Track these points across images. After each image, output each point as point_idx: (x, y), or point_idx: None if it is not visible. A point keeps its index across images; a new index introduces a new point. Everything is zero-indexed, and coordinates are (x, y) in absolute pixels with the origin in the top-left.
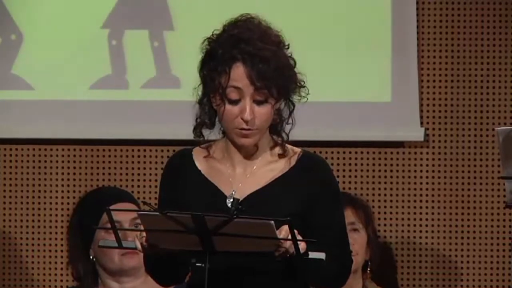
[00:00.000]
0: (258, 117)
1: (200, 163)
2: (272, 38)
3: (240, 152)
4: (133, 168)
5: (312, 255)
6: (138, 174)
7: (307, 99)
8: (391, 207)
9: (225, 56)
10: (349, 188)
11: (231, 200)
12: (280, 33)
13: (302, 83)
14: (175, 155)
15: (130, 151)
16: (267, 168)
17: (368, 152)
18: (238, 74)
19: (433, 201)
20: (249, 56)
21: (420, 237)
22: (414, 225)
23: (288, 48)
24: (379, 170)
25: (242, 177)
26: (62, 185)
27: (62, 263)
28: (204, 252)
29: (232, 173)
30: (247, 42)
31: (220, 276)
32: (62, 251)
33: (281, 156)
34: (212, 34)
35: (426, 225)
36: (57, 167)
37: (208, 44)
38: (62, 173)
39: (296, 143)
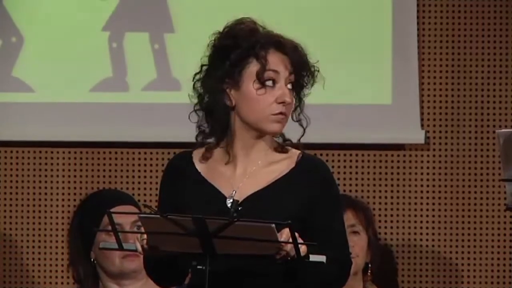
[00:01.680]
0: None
1: (200, 165)
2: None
3: (242, 152)
4: (133, 171)
5: (313, 258)
6: (139, 177)
7: (307, 95)
8: (391, 209)
9: (256, 45)
10: (350, 191)
11: (231, 201)
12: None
13: (317, 74)
14: (175, 157)
15: (130, 154)
16: (267, 170)
17: (368, 155)
18: (276, 57)
19: (433, 204)
20: (281, 44)
21: (421, 239)
22: (415, 228)
23: None
24: (380, 173)
25: (242, 178)
26: (63, 188)
27: (63, 265)
28: (204, 255)
29: (232, 174)
30: (269, 33)
31: (221, 278)
32: (63, 253)
33: (281, 157)
34: (217, 33)
35: (427, 227)
36: (57, 170)
37: (218, 41)
38: (63, 176)
39: (296, 145)
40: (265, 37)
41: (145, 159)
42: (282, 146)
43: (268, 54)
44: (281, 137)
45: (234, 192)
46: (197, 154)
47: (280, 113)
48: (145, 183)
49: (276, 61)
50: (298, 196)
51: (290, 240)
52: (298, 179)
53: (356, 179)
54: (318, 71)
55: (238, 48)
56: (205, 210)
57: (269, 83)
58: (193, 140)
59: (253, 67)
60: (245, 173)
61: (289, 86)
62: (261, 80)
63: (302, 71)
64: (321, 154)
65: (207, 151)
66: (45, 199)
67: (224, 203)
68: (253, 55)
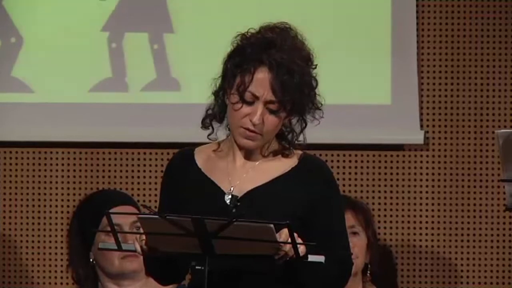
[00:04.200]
0: (266, 124)
1: (200, 162)
2: (303, 53)
3: (243, 150)
4: (133, 171)
5: (312, 258)
6: (138, 177)
7: (319, 122)
8: (391, 210)
9: (253, 57)
10: (349, 191)
11: (230, 197)
12: (313, 52)
13: (320, 105)
14: (176, 155)
15: (130, 154)
16: (267, 166)
17: (368, 155)
18: (261, 78)
19: (433, 204)
20: (276, 64)
21: (420, 240)
22: (414, 228)
23: (315, 68)
24: (379, 173)
25: (242, 174)
26: (62, 188)
27: (62, 266)
28: (203, 255)
29: (232, 170)
30: (278, 49)
31: (220, 278)
32: (62, 254)
33: (283, 157)
34: (247, 32)
35: (426, 228)
36: (57, 170)
37: (240, 41)
38: (62, 176)
39: (296, 146)
40: (267, 54)
41: (145, 159)
42: (284, 145)
43: (257, 71)
44: (284, 141)
45: (232, 188)
46: (199, 151)
47: (249, 129)
48: (144, 183)
49: (260, 82)
50: (298, 195)
51: (289, 240)
52: (299, 179)
53: (355, 179)
54: (319, 103)
55: (242, 55)
56: (204, 207)
57: (249, 98)
58: (192, 140)
59: (239, 79)
60: (244, 168)
61: (272, 107)
62: (239, 94)
63: (292, 98)
64: (320, 155)
65: (217, 145)
66: (45, 200)
67: (223, 199)
68: (246, 67)
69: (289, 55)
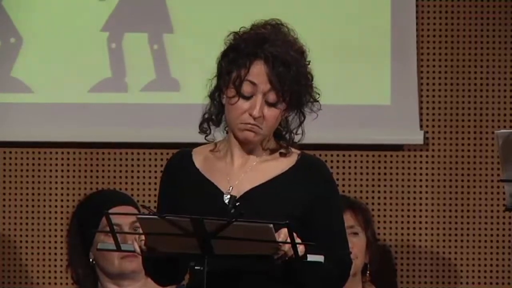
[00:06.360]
0: (265, 118)
1: (199, 162)
2: (296, 47)
3: (241, 149)
4: (132, 171)
5: (311, 257)
6: (138, 177)
7: (317, 115)
8: (390, 210)
9: (248, 52)
10: (349, 191)
11: (228, 197)
12: (305, 47)
13: (317, 97)
14: (175, 155)
15: (129, 154)
16: (265, 166)
17: (367, 155)
18: (258, 71)
19: (432, 204)
20: (272, 56)
21: (420, 240)
22: (414, 228)
23: (309, 64)
24: (379, 173)
25: (240, 174)
26: (62, 188)
27: (61, 266)
28: (202, 256)
29: (230, 170)
30: (272, 43)
31: (219, 279)
32: (61, 254)
33: (281, 156)
34: (239, 30)
35: (426, 228)
36: (56, 170)
37: (233, 39)
38: (62, 176)
39: (295, 146)
40: (261, 48)
41: (144, 159)
42: (282, 145)
43: (253, 65)
44: (282, 140)
45: (231, 188)
46: (197, 152)
47: (249, 123)
48: (143, 183)
49: (257, 74)
50: (297, 195)
51: (288, 240)
52: (297, 178)
53: (355, 179)
54: (317, 94)
55: (236, 51)
56: (203, 207)
57: (247, 93)
58: (192, 140)
59: (235, 74)
60: (243, 168)
61: (271, 99)
62: (236, 88)
63: (290, 88)
64: (320, 155)
65: (214, 146)
66: (44, 200)
67: (222, 199)
68: (241, 62)
69: (283, 48)
